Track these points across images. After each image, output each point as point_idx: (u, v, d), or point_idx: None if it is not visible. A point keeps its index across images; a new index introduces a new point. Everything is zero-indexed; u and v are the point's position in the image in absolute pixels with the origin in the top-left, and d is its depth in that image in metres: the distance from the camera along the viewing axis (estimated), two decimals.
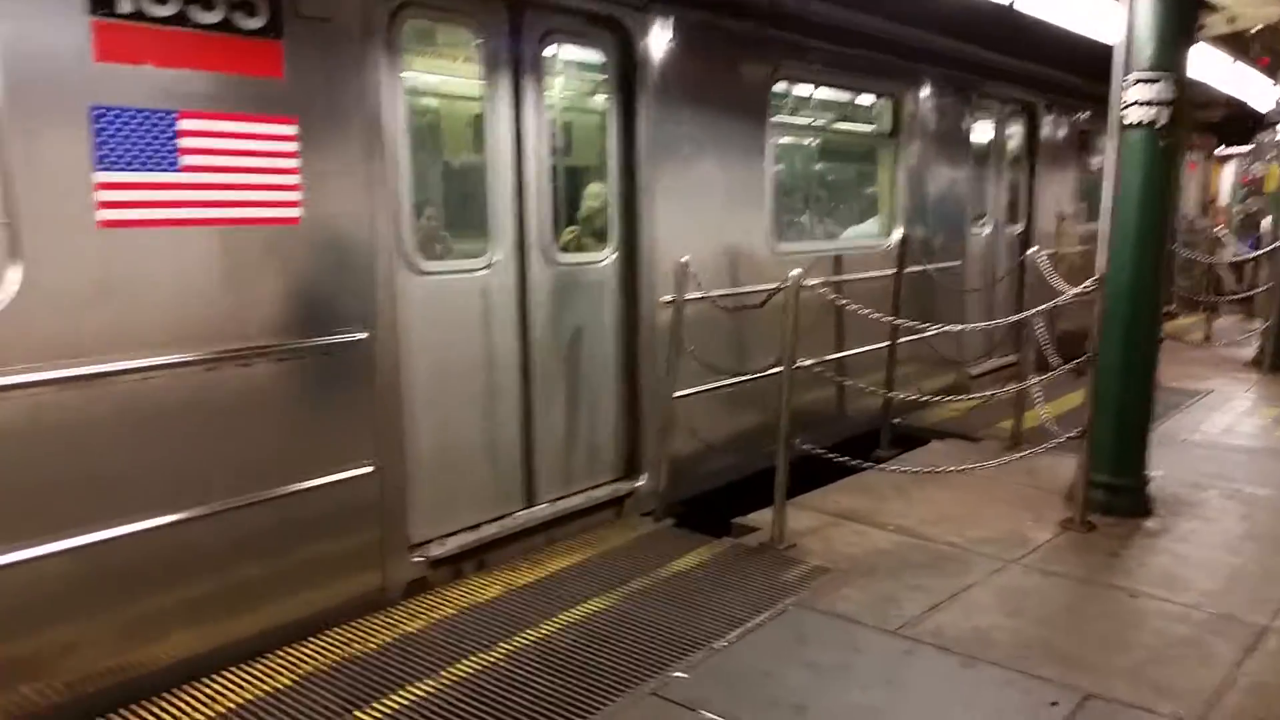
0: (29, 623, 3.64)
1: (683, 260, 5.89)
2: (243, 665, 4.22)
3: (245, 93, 4.08)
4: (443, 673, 4.21)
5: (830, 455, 6.00)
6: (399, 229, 4.78)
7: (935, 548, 5.70)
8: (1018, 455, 6.61)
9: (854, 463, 6.21)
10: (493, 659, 4.34)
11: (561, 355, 5.76)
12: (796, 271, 5.51)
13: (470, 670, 4.24)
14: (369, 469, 4.68)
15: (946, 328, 7.09)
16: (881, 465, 6.71)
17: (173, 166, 3.88)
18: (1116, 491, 6.20)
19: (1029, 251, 7.92)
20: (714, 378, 6.34)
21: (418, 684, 4.11)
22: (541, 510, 5.71)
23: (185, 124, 3.90)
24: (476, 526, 5.39)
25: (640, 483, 6.19)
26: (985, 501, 6.51)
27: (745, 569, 5.36)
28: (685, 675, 4.21)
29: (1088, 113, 11.84)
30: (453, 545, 5.18)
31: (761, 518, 6.01)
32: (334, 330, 4.48)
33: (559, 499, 5.84)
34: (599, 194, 6.07)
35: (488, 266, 5.35)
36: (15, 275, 3.49)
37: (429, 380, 5.05)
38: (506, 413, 5.54)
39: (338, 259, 4.47)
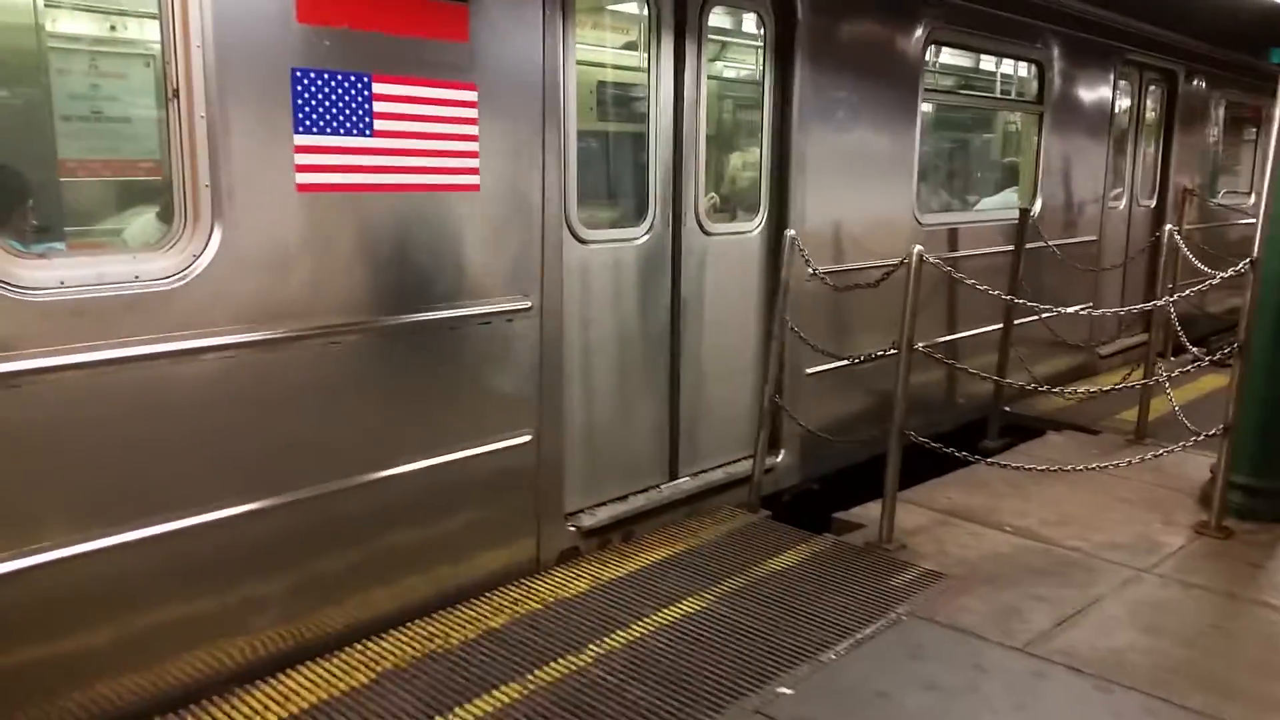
0: (232, 577, 3.69)
1: (790, 234, 5.62)
2: (413, 623, 4.28)
3: (433, 57, 4.02)
4: (529, 676, 3.95)
5: (947, 449, 5.68)
6: (565, 196, 4.71)
7: (1058, 553, 5.33)
8: (1150, 453, 6.00)
9: (973, 458, 5.87)
10: (582, 663, 4.04)
11: (707, 327, 5.67)
12: (918, 248, 5.26)
13: (557, 675, 3.94)
14: (528, 437, 4.65)
15: (1079, 308, 6.83)
16: (993, 459, 6.20)
17: (367, 131, 3.84)
18: (1257, 495, 5.76)
19: (1167, 228, 7.62)
20: (843, 355, 6.14)
21: (506, 687, 3.89)
22: (685, 484, 5.66)
23: (379, 88, 3.85)
24: (624, 498, 5.36)
25: (779, 459, 6.09)
26: (1109, 501, 6.12)
27: (851, 571, 5.01)
28: (791, 691, 3.86)
29: (1226, 85, 11.33)
30: (603, 516, 5.16)
31: (865, 513, 5.72)
32: (504, 298, 4.44)
33: (700, 473, 5.78)
34: (747, 162, 5.93)
35: (645, 235, 5.26)
36: (215, 238, 3.48)
37: (584, 349, 5.01)
38: (656, 384, 5.48)
39: (511, 226, 4.43)
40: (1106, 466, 6.01)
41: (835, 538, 5.50)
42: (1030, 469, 5.99)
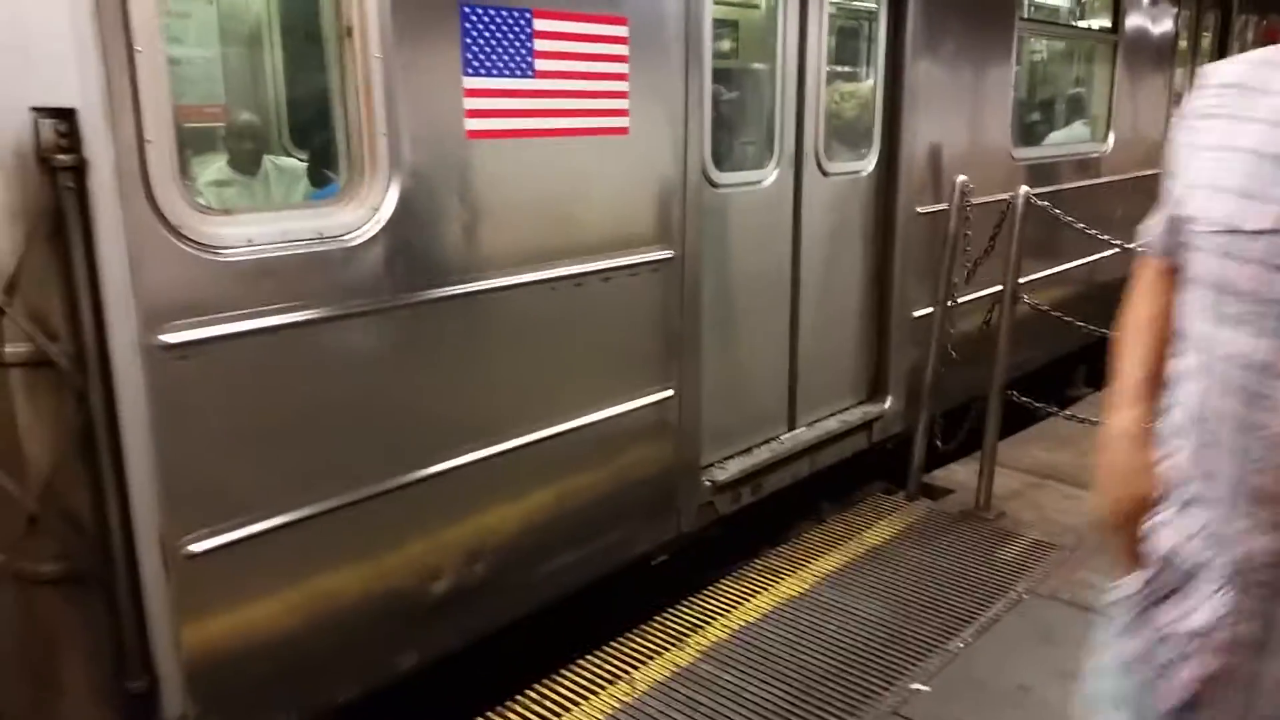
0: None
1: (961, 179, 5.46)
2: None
3: None
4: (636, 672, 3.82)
5: (1039, 404, 5.49)
6: (702, 139, 4.49)
7: None
8: None
9: (1064, 414, 5.72)
10: (687, 658, 3.86)
11: (823, 271, 5.49)
12: (1024, 189, 5.15)
13: (663, 673, 3.77)
14: (670, 391, 4.48)
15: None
16: (1071, 413, 5.89)
17: (529, 71, 3.60)
18: None
19: None
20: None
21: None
22: (803, 434, 5.51)
23: (539, 24, 3.60)
24: (749, 450, 5.21)
25: (887, 405, 5.95)
26: None
27: (954, 543, 4.81)
28: (927, 688, 3.64)
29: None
30: (734, 469, 5.00)
31: (953, 476, 5.56)
32: (650, 246, 4.24)
33: (816, 421, 5.63)
34: (857, 95, 5.72)
35: (770, 177, 5.05)
36: (393, 191, 3.25)
37: (713, 298, 4.81)
38: (777, 331, 5.31)
39: (656, 171, 4.22)
40: None
41: (930, 503, 5.32)
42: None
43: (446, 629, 3.71)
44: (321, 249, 3.09)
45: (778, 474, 5.28)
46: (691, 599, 4.32)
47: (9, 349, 2.62)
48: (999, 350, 5.12)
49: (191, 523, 2.91)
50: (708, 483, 4.83)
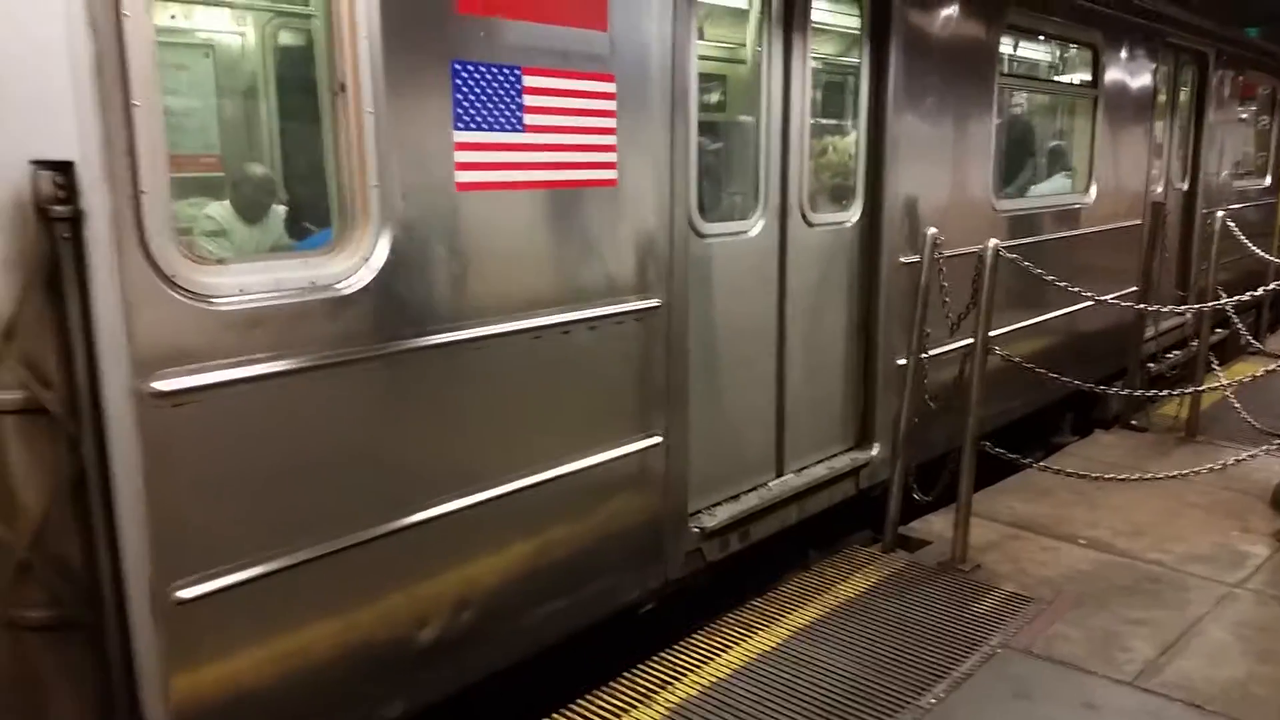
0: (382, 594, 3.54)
1: (931, 232, 5.49)
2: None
3: (576, 47, 3.88)
4: None
5: (1012, 456, 5.50)
6: (687, 190, 4.58)
7: (1142, 568, 5.12)
8: (1224, 459, 5.78)
9: (1039, 465, 5.77)
10: (655, 714, 3.85)
11: (809, 319, 5.56)
12: (993, 241, 5.18)
13: None
14: (659, 438, 4.52)
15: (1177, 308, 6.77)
16: (1046, 465, 6.02)
17: (518, 126, 3.69)
18: None
19: (1218, 213, 7.62)
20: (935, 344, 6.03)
21: None
22: (791, 480, 5.55)
23: (528, 80, 3.70)
24: (737, 497, 5.24)
25: (874, 451, 5.99)
26: (1178, 507, 5.93)
27: (929, 595, 4.78)
28: None
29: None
30: (722, 516, 5.03)
31: (929, 528, 5.54)
32: (637, 295, 4.31)
33: (804, 468, 5.67)
34: (840, 148, 5.84)
35: (757, 227, 5.14)
36: (384, 241, 3.32)
37: (702, 346, 4.87)
38: (764, 378, 5.37)
39: (643, 222, 4.30)
40: (1186, 474, 5.81)
41: (907, 556, 5.30)
42: (1098, 478, 5.80)
43: (433, 678, 3.72)
44: (313, 298, 3.15)
45: (766, 521, 5.31)
46: (661, 654, 4.26)
47: (2, 396, 2.65)
48: (970, 402, 5.13)
49: (180, 569, 2.93)
50: (695, 529, 4.86)
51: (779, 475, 5.53)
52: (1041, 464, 5.91)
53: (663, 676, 4.10)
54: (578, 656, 4.27)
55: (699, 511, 4.98)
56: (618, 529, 4.41)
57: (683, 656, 4.26)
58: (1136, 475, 5.97)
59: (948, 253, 5.86)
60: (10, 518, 2.71)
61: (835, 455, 5.89)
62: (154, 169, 2.75)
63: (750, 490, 5.33)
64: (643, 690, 4.00)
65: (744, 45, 5.16)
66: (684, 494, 4.75)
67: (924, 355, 5.43)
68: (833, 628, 4.47)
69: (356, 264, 3.27)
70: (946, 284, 5.35)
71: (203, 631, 3.02)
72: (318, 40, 3.24)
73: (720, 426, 5.07)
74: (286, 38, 5.26)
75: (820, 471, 5.70)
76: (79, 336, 2.66)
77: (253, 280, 3.02)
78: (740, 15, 5.22)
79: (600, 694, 3.99)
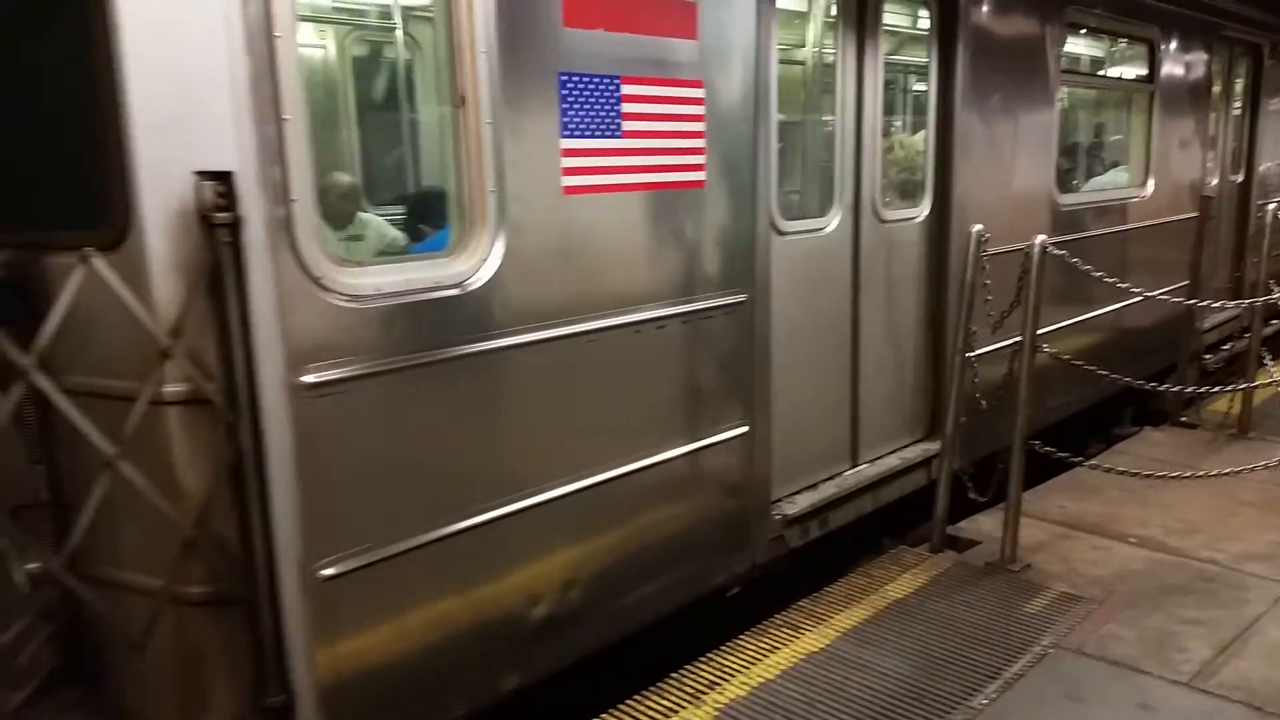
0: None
1: (976, 229, 5.39)
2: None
3: (669, 56, 4.08)
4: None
5: (1069, 457, 5.44)
6: (769, 189, 4.76)
7: (1195, 566, 5.04)
8: (1278, 459, 5.73)
9: (1089, 463, 5.67)
10: (704, 715, 3.83)
11: (881, 312, 5.72)
12: (1040, 238, 5.11)
13: None
14: (744, 428, 4.71)
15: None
16: (1096, 463, 5.92)
17: (617, 132, 3.89)
18: None
19: (1269, 205, 7.63)
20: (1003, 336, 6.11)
21: None
22: (865, 470, 5.71)
23: (626, 89, 3.90)
24: (815, 486, 5.41)
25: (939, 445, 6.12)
26: (1232, 504, 5.81)
27: (978, 596, 4.73)
28: None
29: None
30: (802, 504, 5.21)
31: (978, 527, 5.49)
32: (724, 291, 4.49)
33: (878, 458, 5.83)
34: (910, 145, 5.99)
35: (833, 224, 5.32)
36: (499, 243, 3.54)
37: (782, 339, 5.04)
38: (839, 371, 5.54)
39: (729, 220, 4.48)
40: (1240, 472, 5.73)
41: (956, 555, 5.26)
42: (1149, 475, 5.68)
43: (544, 653, 3.93)
44: (439, 295, 3.37)
45: (843, 509, 5.47)
46: (709, 656, 4.26)
47: (169, 389, 2.89)
48: (1019, 400, 5.05)
49: (325, 548, 3.16)
50: (778, 516, 5.04)
51: (854, 465, 5.69)
52: (1091, 462, 5.85)
53: (711, 678, 4.10)
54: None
55: (780, 499, 5.16)
56: (708, 515, 4.60)
57: (730, 658, 4.25)
58: (1189, 473, 5.90)
59: (1009, 247, 6.00)
60: (175, 500, 2.95)
61: (906, 446, 6.04)
62: (302, 178, 2.98)
63: (828, 479, 5.49)
64: (691, 691, 4.00)
65: (816, 48, 5.31)
66: (768, 482, 4.93)
67: (970, 354, 5.37)
68: (881, 629, 4.43)
69: (476, 264, 3.49)
70: (990, 281, 5.30)
71: (344, 607, 3.24)
72: (440, 56, 3.45)
73: (799, 417, 5.24)
74: (408, 54, 5.57)
75: (893, 462, 5.85)
76: (238, 333, 2.89)
77: (387, 280, 3.25)
78: (813, 19, 5.39)
79: (649, 695, 4.01)
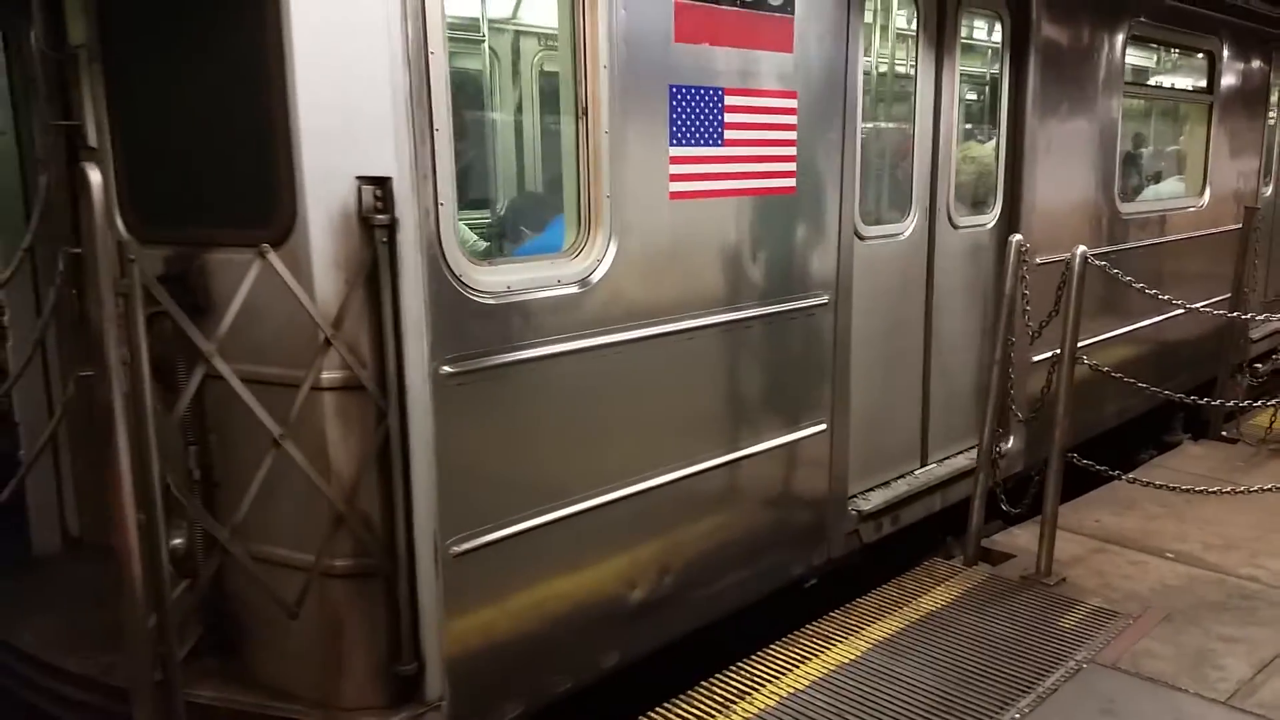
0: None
1: (1015, 239, 5.34)
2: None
3: (767, 69, 4.29)
4: None
5: (1106, 471, 5.42)
6: (853, 195, 4.95)
7: (1234, 583, 4.97)
8: None
9: (1127, 477, 5.55)
10: None
11: (952, 316, 5.90)
12: (1080, 248, 5.06)
13: None
14: (823, 426, 4.91)
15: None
16: (1134, 476, 5.83)
17: (719, 140, 4.11)
18: None
19: None
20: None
21: None
22: (935, 469, 5.89)
23: (728, 100, 4.12)
24: (888, 483, 5.60)
25: (1009, 444, 6.29)
26: (1272, 520, 5.74)
27: (1012, 610, 4.68)
28: None
29: None
30: (876, 500, 5.40)
31: (1013, 541, 5.46)
32: (811, 293, 4.70)
33: (946, 458, 6.00)
34: (982, 153, 6.16)
35: (910, 229, 5.51)
36: (613, 245, 3.76)
37: (859, 340, 5.22)
38: (912, 371, 5.73)
39: (816, 224, 4.69)
40: (1272, 489, 5.53)
41: (990, 569, 5.22)
42: (1187, 490, 5.56)
43: (641, 633, 4.15)
44: (560, 293, 3.61)
45: (913, 507, 5.66)
46: (739, 665, 4.24)
47: (327, 375, 3.14)
48: (1057, 412, 5.01)
49: (458, 526, 3.40)
50: (854, 512, 5.24)
51: (923, 464, 5.88)
52: (1129, 476, 5.74)
53: (741, 686, 4.08)
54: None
55: (855, 495, 5.35)
56: (789, 508, 4.81)
57: (761, 667, 4.23)
58: (1229, 488, 5.79)
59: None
60: (326, 479, 3.19)
61: (973, 446, 6.18)
62: (447, 184, 3.22)
63: (899, 477, 5.68)
64: (721, 700, 3.99)
65: (898, 60, 5.51)
66: (845, 478, 5.13)
67: (1010, 366, 5.37)
68: (914, 641, 4.39)
69: (592, 264, 3.72)
70: (1028, 291, 5.28)
71: (471, 583, 3.48)
72: (564, 70, 3.68)
73: (874, 416, 5.43)
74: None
75: (961, 462, 6.02)
76: (390, 325, 3.13)
77: (516, 279, 3.49)
78: (897, 33, 5.59)
79: (679, 702, 4.01)
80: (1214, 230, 8.45)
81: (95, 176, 2.54)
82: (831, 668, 4.19)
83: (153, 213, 3.43)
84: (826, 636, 4.48)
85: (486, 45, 5.90)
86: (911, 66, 5.45)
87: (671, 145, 3.92)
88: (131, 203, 3.42)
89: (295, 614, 3.20)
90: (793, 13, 4.34)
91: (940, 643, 4.38)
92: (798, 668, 4.21)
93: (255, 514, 3.23)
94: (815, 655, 4.30)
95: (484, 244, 5.16)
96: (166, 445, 3.32)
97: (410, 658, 3.36)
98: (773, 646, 4.42)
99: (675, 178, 3.96)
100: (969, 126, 6.22)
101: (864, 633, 4.48)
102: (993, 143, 6.07)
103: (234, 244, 3.18)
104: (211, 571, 3.26)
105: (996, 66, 6.00)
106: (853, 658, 4.25)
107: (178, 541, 3.41)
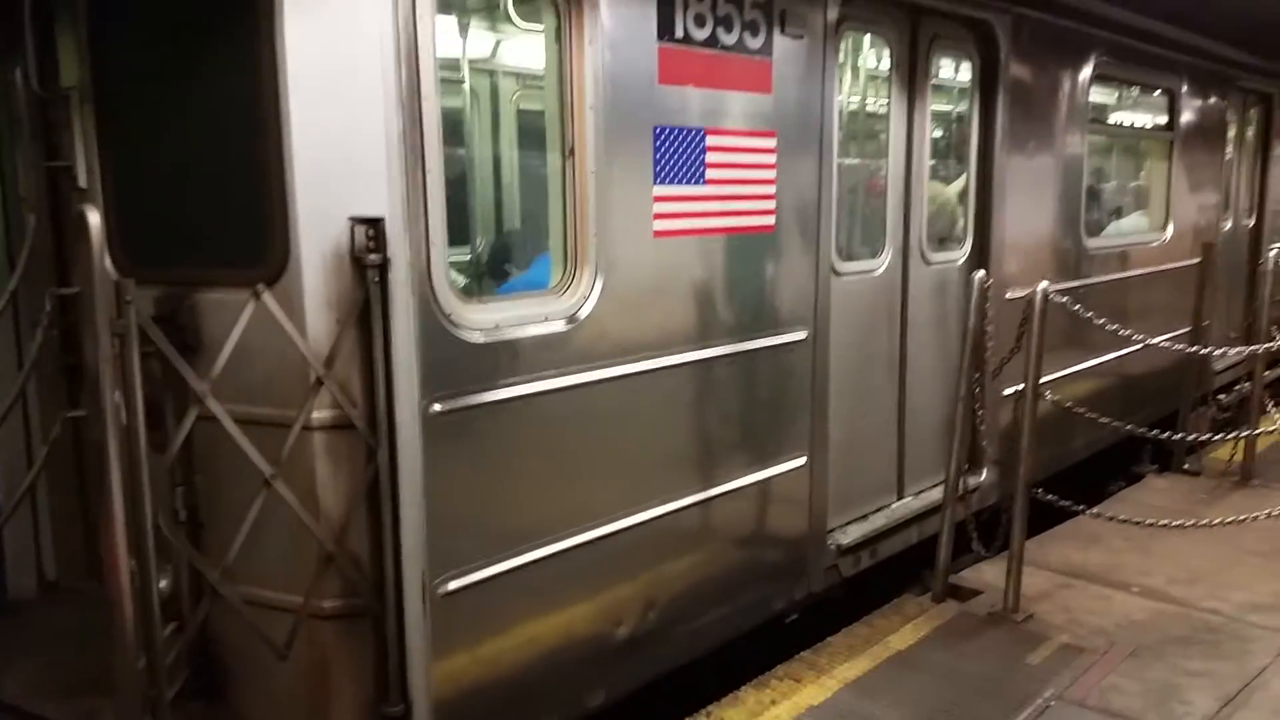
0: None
1: (978, 275, 5.39)
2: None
3: (747, 109, 4.37)
4: None
5: (1071, 506, 5.51)
6: (830, 232, 5.03)
7: (1198, 617, 4.98)
8: (1278, 509, 5.57)
9: (1090, 512, 5.62)
10: None
11: (926, 350, 5.99)
12: (1043, 285, 5.13)
13: None
14: (803, 460, 4.96)
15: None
16: (1098, 511, 5.86)
17: (701, 179, 4.18)
18: None
19: (1270, 251, 7.85)
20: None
21: None
22: (910, 502, 5.95)
23: (710, 140, 4.19)
24: (865, 517, 5.65)
25: (983, 476, 6.38)
26: (1235, 553, 5.76)
27: (980, 647, 4.67)
28: None
29: None
30: (854, 534, 5.44)
31: (981, 577, 5.45)
32: (789, 328, 4.76)
33: (921, 491, 6.07)
34: (943, 193, 6.28)
35: (884, 266, 5.60)
36: (599, 282, 3.80)
37: (836, 374, 5.28)
38: (887, 405, 5.80)
39: (794, 261, 4.76)
40: (1243, 520, 5.62)
41: (959, 605, 5.21)
42: (1150, 524, 5.60)
43: (627, 671, 4.15)
44: (546, 330, 3.64)
45: (891, 540, 5.71)
46: (708, 710, 4.23)
47: (317, 414, 3.14)
48: (1022, 448, 5.06)
49: (446, 564, 3.39)
50: (833, 546, 5.27)
51: (899, 497, 5.94)
52: (1093, 511, 5.77)
53: None
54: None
55: (834, 529, 5.39)
56: (771, 543, 4.85)
57: (731, 711, 4.22)
58: (1191, 521, 5.79)
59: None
60: (315, 519, 3.19)
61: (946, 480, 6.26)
62: (438, 223, 3.25)
63: (876, 511, 5.73)
64: None
65: (870, 100, 5.63)
66: (824, 513, 5.17)
67: (978, 401, 5.44)
68: (883, 681, 4.39)
69: (579, 300, 3.75)
70: (991, 327, 5.35)
71: (459, 622, 3.47)
72: (551, 110, 3.73)
73: (851, 450, 5.49)
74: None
75: (935, 495, 6.06)
76: (381, 364, 3.15)
77: (503, 316, 3.52)
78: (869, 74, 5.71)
79: None
80: (1177, 264, 8.63)
81: (94, 218, 2.55)
82: (802, 710, 4.18)
83: (143, 253, 3.43)
84: (796, 678, 4.46)
85: (468, 85, 5.96)
86: (884, 106, 5.55)
87: (655, 184, 3.98)
88: (121, 243, 3.42)
89: (285, 656, 3.18)
90: (771, 55, 4.43)
91: (910, 682, 4.39)
92: (768, 710, 4.21)
93: (242, 555, 3.21)
94: (785, 697, 4.30)
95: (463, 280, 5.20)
96: (154, 487, 3.31)
97: (398, 698, 3.35)
98: (744, 689, 4.40)
99: (659, 216, 4.02)
100: (933, 163, 6.32)
101: (834, 673, 4.48)
102: (962, 180, 6.18)
103: (226, 284, 3.19)
104: (203, 614, 3.23)
105: (965, 105, 6.13)
106: (823, 699, 4.25)
107: (163, 584, 3.38)
